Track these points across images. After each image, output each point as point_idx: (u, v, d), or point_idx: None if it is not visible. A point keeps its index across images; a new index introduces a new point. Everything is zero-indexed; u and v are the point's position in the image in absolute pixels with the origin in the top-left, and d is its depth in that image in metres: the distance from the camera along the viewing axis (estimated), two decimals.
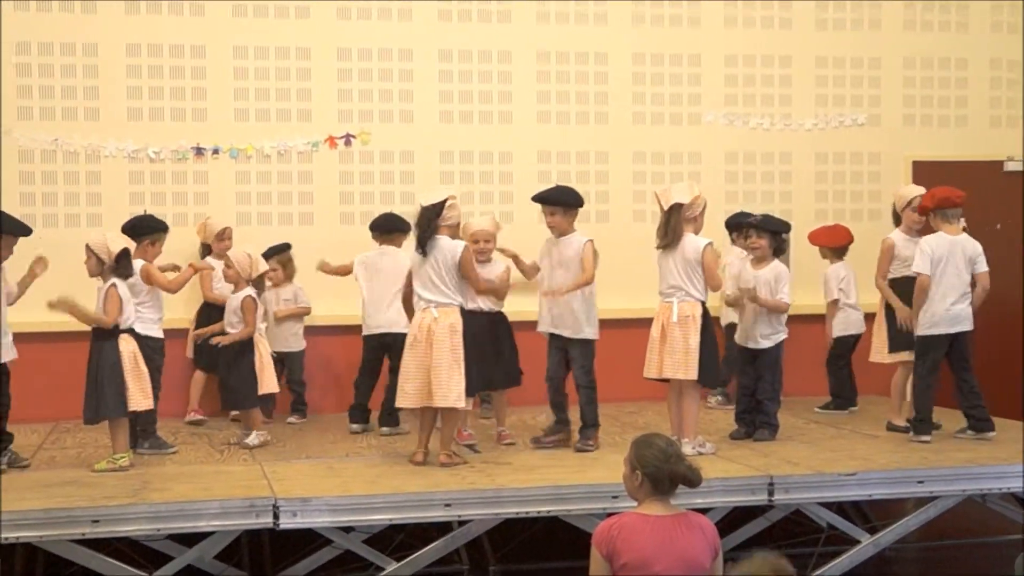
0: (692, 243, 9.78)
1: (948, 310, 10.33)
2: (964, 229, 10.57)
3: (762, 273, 10.50)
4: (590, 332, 9.95)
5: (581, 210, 10.11)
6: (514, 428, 11.08)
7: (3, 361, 9.52)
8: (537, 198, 10.05)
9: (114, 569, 8.37)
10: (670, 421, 10.11)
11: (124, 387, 9.31)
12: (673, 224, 9.78)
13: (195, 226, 12.03)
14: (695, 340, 9.70)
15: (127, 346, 9.38)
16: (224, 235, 11.83)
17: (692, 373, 9.71)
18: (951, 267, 10.34)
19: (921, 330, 10.44)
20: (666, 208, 9.82)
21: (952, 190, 10.61)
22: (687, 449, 9.50)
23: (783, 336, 10.56)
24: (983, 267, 10.39)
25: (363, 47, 12.83)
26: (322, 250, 12.24)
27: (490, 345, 10.21)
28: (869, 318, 11.81)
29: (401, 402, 9.63)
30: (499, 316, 10.48)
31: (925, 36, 14.07)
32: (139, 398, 9.43)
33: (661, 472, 5.95)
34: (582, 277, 9.79)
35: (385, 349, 11.22)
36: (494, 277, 10.28)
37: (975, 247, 10.41)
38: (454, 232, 9.67)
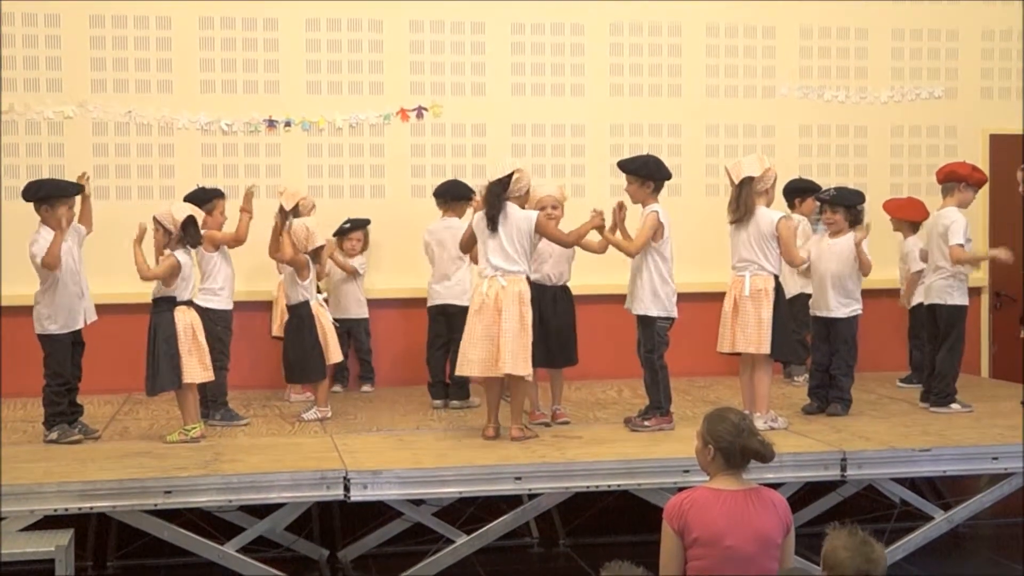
0: (766, 216, 9.70)
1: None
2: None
3: (838, 242, 10.43)
4: (650, 309, 9.66)
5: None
6: (581, 404, 11.10)
7: (81, 326, 9.57)
8: (619, 164, 9.96)
9: (186, 540, 8.42)
10: (742, 395, 10.05)
11: (178, 359, 9.33)
12: (744, 198, 9.70)
13: (280, 194, 11.65)
14: (768, 314, 9.62)
15: (183, 318, 9.40)
16: (312, 210, 11.73)
17: (765, 347, 9.64)
18: (931, 241, 10.82)
19: None
20: (737, 182, 9.75)
21: (952, 166, 10.98)
22: (759, 423, 9.41)
23: (858, 309, 10.50)
24: (950, 240, 10.54)
25: (435, 19, 12.79)
26: (393, 222, 12.31)
27: (552, 321, 10.13)
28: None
29: (463, 370, 9.55)
30: (564, 291, 10.35)
31: (1005, 7, 13.86)
32: (197, 370, 9.45)
33: (733, 447, 5.93)
34: (625, 244, 9.69)
35: (447, 320, 11.23)
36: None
37: (944, 221, 10.62)
38: (523, 203, 9.60)
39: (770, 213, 9.73)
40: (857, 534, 5.25)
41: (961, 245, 10.43)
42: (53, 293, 9.36)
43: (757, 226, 9.67)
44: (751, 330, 9.64)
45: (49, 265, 9.25)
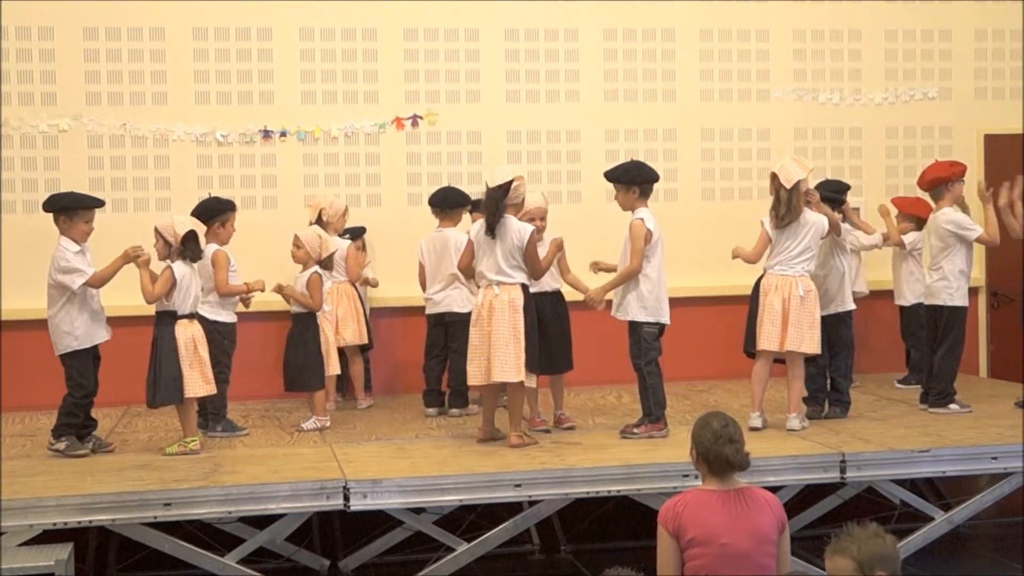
0: (819, 221, 9.86)
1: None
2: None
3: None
4: (637, 315, 9.62)
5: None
6: (580, 410, 11.10)
7: (98, 342, 9.55)
8: (604, 175, 9.95)
9: (186, 552, 8.40)
10: (752, 395, 9.98)
11: (180, 374, 9.33)
12: (795, 202, 9.74)
13: (305, 206, 11.60)
14: (819, 314, 9.84)
15: (185, 332, 9.40)
16: (346, 213, 11.82)
17: (816, 347, 9.82)
18: (930, 242, 10.88)
19: None
20: (789, 187, 9.74)
21: (932, 172, 10.94)
22: (795, 423, 9.75)
23: (850, 307, 10.51)
24: (970, 237, 10.67)
25: (429, 27, 12.80)
26: (390, 231, 12.31)
27: (550, 327, 10.08)
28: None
29: (471, 381, 9.57)
30: (557, 297, 10.32)
31: (997, 7, 13.86)
32: (198, 384, 9.46)
33: (710, 453, 5.98)
34: (626, 269, 9.62)
35: (445, 329, 11.23)
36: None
37: (943, 223, 10.65)
38: (519, 211, 9.58)
39: (821, 217, 9.87)
40: (868, 527, 5.23)
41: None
42: (72, 309, 9.35)
43: (811, 229, 9.80)
44: (806, 331, 9.75)
45: (93, 284, 9.32)
